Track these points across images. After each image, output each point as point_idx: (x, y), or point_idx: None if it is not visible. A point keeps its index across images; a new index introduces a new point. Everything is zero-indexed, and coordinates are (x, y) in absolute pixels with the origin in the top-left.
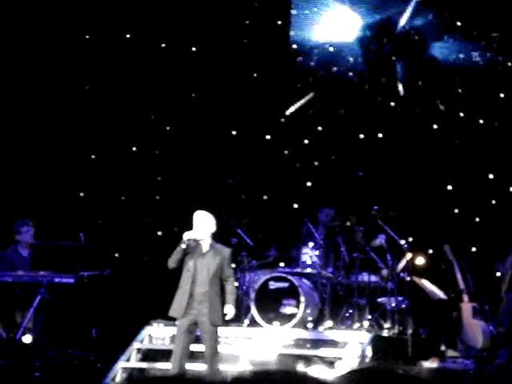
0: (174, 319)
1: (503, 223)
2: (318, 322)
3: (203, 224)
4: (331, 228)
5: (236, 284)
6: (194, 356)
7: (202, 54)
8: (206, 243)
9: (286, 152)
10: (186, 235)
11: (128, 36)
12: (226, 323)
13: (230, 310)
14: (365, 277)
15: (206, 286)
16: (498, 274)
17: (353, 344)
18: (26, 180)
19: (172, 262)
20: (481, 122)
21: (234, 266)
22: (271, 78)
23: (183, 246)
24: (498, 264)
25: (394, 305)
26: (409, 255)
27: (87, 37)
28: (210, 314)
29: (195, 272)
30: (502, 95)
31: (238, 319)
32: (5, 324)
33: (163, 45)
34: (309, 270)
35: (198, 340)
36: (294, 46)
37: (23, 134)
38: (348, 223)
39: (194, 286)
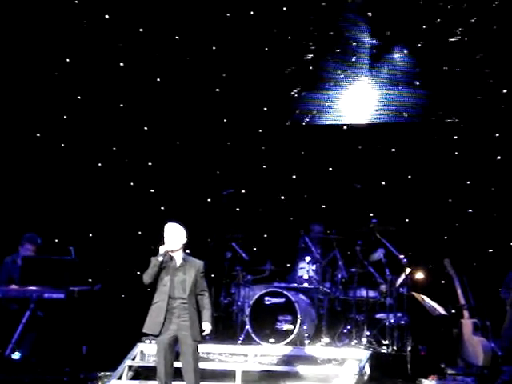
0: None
1: (506, 237)
2: (314, 338)
3: (176, 235)
4: (328, 242)
5: (228, 299)
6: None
7: (195, 63)
8: (178, 256)
9: (282, 163)
10: (163, 248)
11: (120, 45)
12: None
13: (207, 327)
14: (363, 292)
15: (184, 300)
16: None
17: (350, 361)
18: (16, 193)
19: (148, 277)
20: (482, 132)
21: (228, 280)
22: (267, 87)
23: (160, 258)
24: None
25: (392, 321)
26: (408, 270)
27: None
28: (191, 328)
29: (172, 286)
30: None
31: (232, 336)
32: None
33: (156, 54)
34: (306, 285)
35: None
36: None
37: (13, 145)
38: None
39: (172, 300)
